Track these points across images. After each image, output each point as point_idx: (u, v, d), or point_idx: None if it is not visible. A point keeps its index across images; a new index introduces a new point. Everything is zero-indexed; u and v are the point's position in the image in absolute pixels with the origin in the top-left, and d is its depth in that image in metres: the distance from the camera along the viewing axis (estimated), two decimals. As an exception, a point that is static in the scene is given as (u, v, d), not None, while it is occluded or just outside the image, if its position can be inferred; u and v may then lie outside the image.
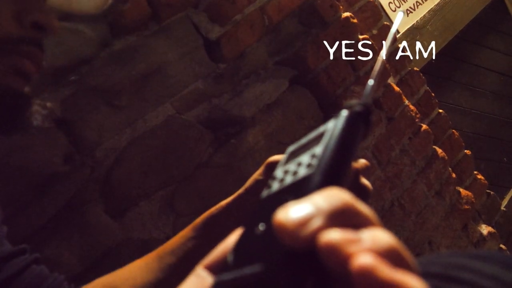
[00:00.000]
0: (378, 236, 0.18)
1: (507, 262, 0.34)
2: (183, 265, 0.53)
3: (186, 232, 0.56)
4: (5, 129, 0.46)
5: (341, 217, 0.19)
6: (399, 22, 0.36)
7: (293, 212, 0.19)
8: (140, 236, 0.90)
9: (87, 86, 0.90)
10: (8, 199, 0.78)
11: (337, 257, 0.17)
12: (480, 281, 0.33)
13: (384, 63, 0.32)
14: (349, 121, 0.25)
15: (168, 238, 0.91)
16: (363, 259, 0.16)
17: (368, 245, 0.17)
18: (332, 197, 0.19)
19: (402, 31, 1.78)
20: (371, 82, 0.30)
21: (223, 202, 0.55)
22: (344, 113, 0.25)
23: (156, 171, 0.94)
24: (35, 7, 0.44)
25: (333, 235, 0.18)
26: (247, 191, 0.54)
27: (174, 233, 0.92)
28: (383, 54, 0.32)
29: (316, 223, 0.18)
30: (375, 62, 1.31)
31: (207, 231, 0.54)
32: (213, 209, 0.56)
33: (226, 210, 0.54)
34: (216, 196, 0.99)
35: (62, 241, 0.82)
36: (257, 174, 0.54)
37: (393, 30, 0.35)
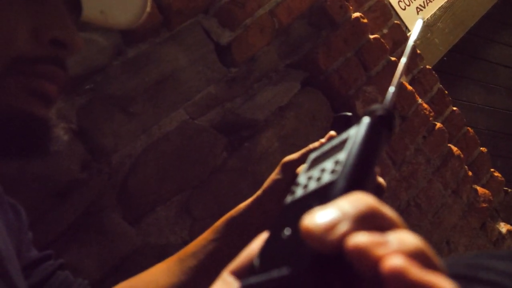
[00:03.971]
0: (405, 238, 0.18)
1: None
2: (204, 267, 0.54)
3: (206, 235, 0.56)
4: (23, 155, 0.41)
5: (367, 221, 0.19)
6: (419, 30, 0.36)
7: (319, 217, 0.19)
8: (158, 241, 0.90)
9: (102, 95, 0.91)
10: (28, 207, 0.80)
11: (367, 259, 0.17)
12: (504, 281, 0.32)
13: (404, 71, 0.33)
14: (371, 127, 0.25)
15: (185, 242, 0.91)
16: (394, 261, 0.17)
17: (395, 247, 0.17)
18: (357, 201, 0.20)
19: (412, 29, 1.77)
20: (392, 89, 0.30)
21: (243, 204, 0.56)
22: (366, 119, 0.26)
23: (172, 176, 0.95)
24: (54, 23, 0.40)
25: (361, 238, 0.18)
26: (265, 192, 0.55)
27: (191, 237, 0.92)
28: (403, 61, 0.32)
29: (343, 227, 0.19)
30: (387, 61, 1.31)
31: (227, 233, 0.55)
32: (233, 211, 0.56)
33: (246, 212, 0.55)
34: (231, 199, 0.99)
35: (81, 248, 0.83)
36: (274, 174, 0.55)
37: (412, 38, 0.36)
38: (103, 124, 0.90)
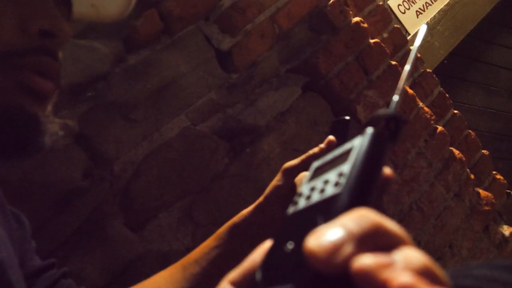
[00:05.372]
0: (411, 256, 0.18)
1: None
2: (207, 274, 0.54)
3: (209, 242, 0.57)
4: (14, 154, 0.40)
5: (372, 240, 0.19)
6: (423, 36, 0.36)
7: (324, 239, 0.19)
8: (160, 248, 0.90)
9: (103, 102, 0.91)
10: (30, 215, 0.80)
11: (373, 282, 0.17)
12: None
13: (408, 78, 0.32)
14: (375, 138, 0.25)
15: (187, 249, 0.91)
16: (403, 278, 0.17)
17: (402, 267, 0.18)
18: (361, 219, 0.19)
19: (412, 32, 1.77)
20: (396, 98, 0.30)
21: (244, 211, 0.56)
22: (370, 130, 0.25)
23: (174, 182, 0.95)
24: (41, 13, 0.39)
25: (366, 261, 0.18)
26: (267, 199, 0.55)
27: (194, 244, 0.92)
28: (407, 69, 0.32)
29: (348, 249, 0.18)
30: (387, 66, 1.31)
31: (230, 240, 0.55)
32: (235, 219, 0.56)
33: (248, 219, 0.55)
34: (233, 205, 0.99)
35: (84, 255, 0.83)
36: (275, 181, 0.56)
37: (416, 44, 0.35)
38: (104, 131, 0.90)
